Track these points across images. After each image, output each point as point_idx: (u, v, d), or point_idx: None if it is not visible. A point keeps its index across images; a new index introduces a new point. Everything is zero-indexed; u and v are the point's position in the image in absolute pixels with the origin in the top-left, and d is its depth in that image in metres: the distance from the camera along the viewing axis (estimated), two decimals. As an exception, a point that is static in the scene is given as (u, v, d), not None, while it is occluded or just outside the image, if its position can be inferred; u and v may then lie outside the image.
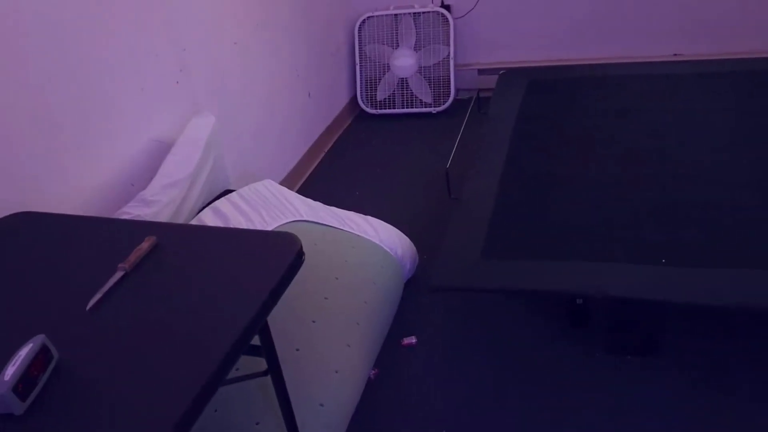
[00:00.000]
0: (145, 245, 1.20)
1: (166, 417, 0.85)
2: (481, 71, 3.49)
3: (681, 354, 1.80)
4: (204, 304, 1.06)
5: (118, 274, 1.14)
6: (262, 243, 1.23)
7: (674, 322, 1.90)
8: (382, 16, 3.45)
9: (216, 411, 1.45)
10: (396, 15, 3.44)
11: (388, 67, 3.47)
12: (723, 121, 2.34)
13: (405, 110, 3.51)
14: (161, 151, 1.95)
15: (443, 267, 1.80)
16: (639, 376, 1.75)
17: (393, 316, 2.00)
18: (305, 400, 1.48)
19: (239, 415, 1.44)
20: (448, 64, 3.41)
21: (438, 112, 3.45)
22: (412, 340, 1.99)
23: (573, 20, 3.27)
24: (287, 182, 2.82)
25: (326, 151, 3.25)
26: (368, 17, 3.45)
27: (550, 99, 2.70)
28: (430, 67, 3.44)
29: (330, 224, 2.09)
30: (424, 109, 3.47)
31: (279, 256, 1.15)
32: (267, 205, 2.04)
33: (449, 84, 3.42)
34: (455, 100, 3.42)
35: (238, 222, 1.91)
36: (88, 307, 1.07)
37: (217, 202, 1.98)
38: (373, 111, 3.54)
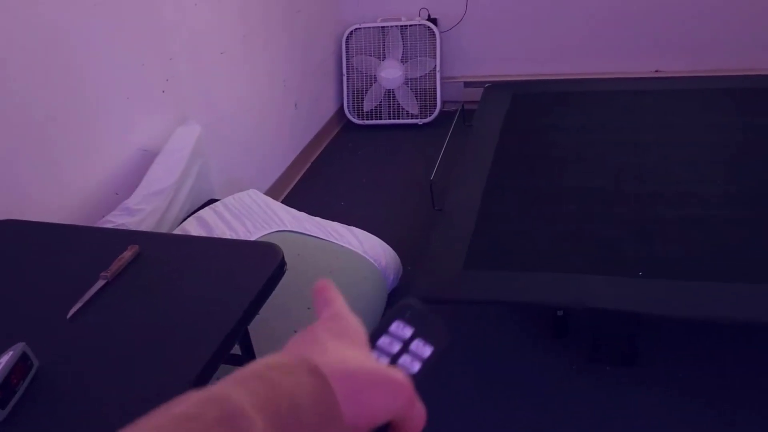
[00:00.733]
0: (128, 254, 1.20)
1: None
2: (466, 84, 3.53)
3: (661, 364, 1.83)
4: (184, 313, 1.07)
5: (100, 283, 1.14)
6: (244, 253, 1.25)
7: (655, 332, 1.93)
8: (369, 28, 3.48)
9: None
10: (383, 27, 3.47)
11: (375, 78, 3.50)
12: (702, 136, 2.38)
13: (391, 121, 3.53)
14: (146, 160, 1.95)
15: (425, 279, 1.82)
16: (621, 386, 1.77)
17: (376, 327, 2.00)
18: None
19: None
20: (435, 77, 3.44)
21: (424, 124, 3.48)
22: (395, 350, 2.00)
23: (557, 36, 3.33)
24: (273, 192, 2.82)
25: (312, 160, 3.26)
26: (355, 29, 3.48)
27: (534, 113, 2.74)
28: (416, 79, 3.47)
29: (314, 234, 2.10)
30: (410, 121, 3.50)
31: (261, 266, 1.16)
32: (251, 215, 2.05)
33: (435, 96, 3.45)
34: (441, 112, 3.45)
35: (222, 231, 1.91)
36: (68, 316, 1.08)
37: (201, 212, 1.98)
38: (360, 122, 3.56)
